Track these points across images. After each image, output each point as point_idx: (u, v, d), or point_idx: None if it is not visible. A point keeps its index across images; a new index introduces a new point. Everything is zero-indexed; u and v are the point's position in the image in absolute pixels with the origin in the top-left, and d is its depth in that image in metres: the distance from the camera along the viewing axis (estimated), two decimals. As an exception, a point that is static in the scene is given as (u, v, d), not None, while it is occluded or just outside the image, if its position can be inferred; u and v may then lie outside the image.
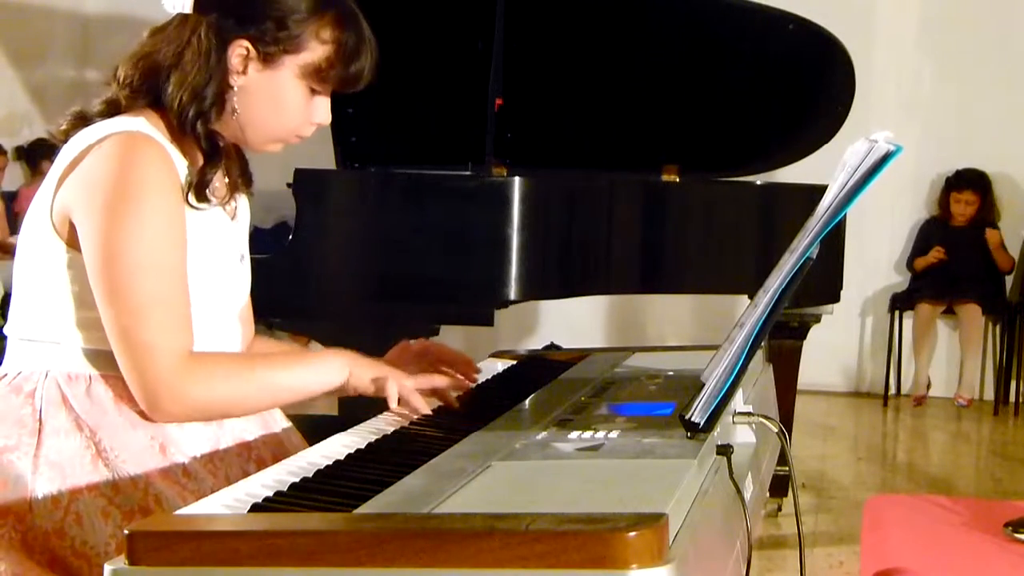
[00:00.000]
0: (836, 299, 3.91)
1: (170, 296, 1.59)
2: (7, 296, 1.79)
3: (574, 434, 1.47)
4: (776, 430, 1.63)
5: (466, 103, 3.73)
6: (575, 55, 4.00)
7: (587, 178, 3.61)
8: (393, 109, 3.95)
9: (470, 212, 3.12)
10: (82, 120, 1.68)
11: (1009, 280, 6.58)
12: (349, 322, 3.11)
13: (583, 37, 3.98)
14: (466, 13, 3.74)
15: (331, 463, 1.44)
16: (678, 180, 3.92)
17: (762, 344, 1.52)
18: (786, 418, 3.54)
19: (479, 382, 2.00)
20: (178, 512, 1.27)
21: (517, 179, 3.12)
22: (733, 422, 1.60)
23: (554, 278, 3.30)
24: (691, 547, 1.08)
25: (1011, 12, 6.51)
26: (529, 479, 1.31)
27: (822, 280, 3.78)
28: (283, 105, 1.69)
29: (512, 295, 3.09)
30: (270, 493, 1.29)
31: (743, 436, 1.62)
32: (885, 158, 1.46)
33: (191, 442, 1.66)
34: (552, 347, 2.40)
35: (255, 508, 1.24)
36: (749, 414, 1.62)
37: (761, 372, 2.01)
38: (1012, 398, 6.44)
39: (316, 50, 1.67)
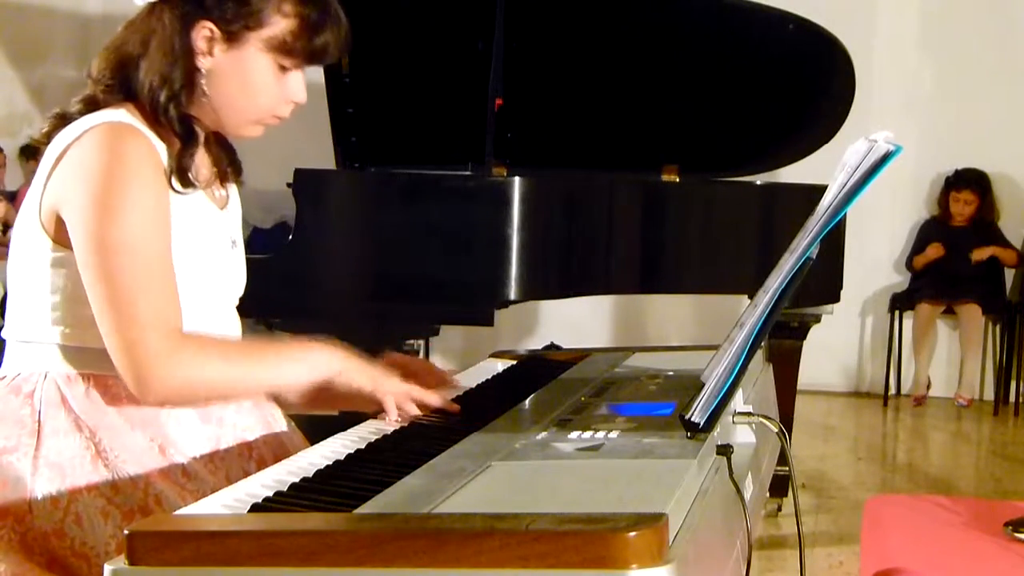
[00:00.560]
0: (836, 299, 3.91)
1: (159, 276, 1.59)
2: (5, 296, 1.79)
3: (574, 434, 1.47)
4: (776, 430, 1.63)
5: (466, 103, 3.73)
6: (575, 55, 4.00)
7: (587, 178, 3.61)
8: (393, 109, 3.96)
9: (470, 212, 3.12)
10: (62, 120, 1.68)
11: (1009, 280, 6.58)
12: (349, 322, 3.11)
13: (583, 37, 3.98)
14: (466, 13, 3.74)
15: (331, 463, 1.44)
16: (678, 180, 3.92)
17: (762, 344, 1.52)
18: (786, 418, 3.54)
19: (479, 382, 2.01)
20: (178, 512, 1.27)
21: (517, 179, 3.12)
22: (733, 422, 1.60)
23: (554, 278, 3.30)
24: (691, 547, 1.08)
25: (1011, 12, 6.51)
26: (529, 479, 1.31)
27: (822, 280, 3.78)
28: (253, 83, 1.69)
29: (512, 295, 3.09)
30: (270, 493, 1.29)
31: (743, 436, 1.62)
32: (885, 158, 1.46)
33: (191, 442, 1.66)
34: (552, 347, 2.40)
35: (255, 508, 1.24)
36: (749, 414, 1.62)
37: (761, 372, 2.01)
38: (1012, 398, 6.44)
39: (279, 24, 1.67)
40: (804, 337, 4.02)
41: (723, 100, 4.09)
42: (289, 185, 3.13)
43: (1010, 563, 2.06)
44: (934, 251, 6.49)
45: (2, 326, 1.73)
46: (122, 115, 1.64)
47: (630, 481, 1.26)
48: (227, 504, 1.27)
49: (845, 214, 1.51)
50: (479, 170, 3.56)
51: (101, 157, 1.59)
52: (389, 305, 3.12)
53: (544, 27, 3.90)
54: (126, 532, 1.08)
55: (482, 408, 1.72)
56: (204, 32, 1.66)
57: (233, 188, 1.85)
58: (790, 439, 3.07)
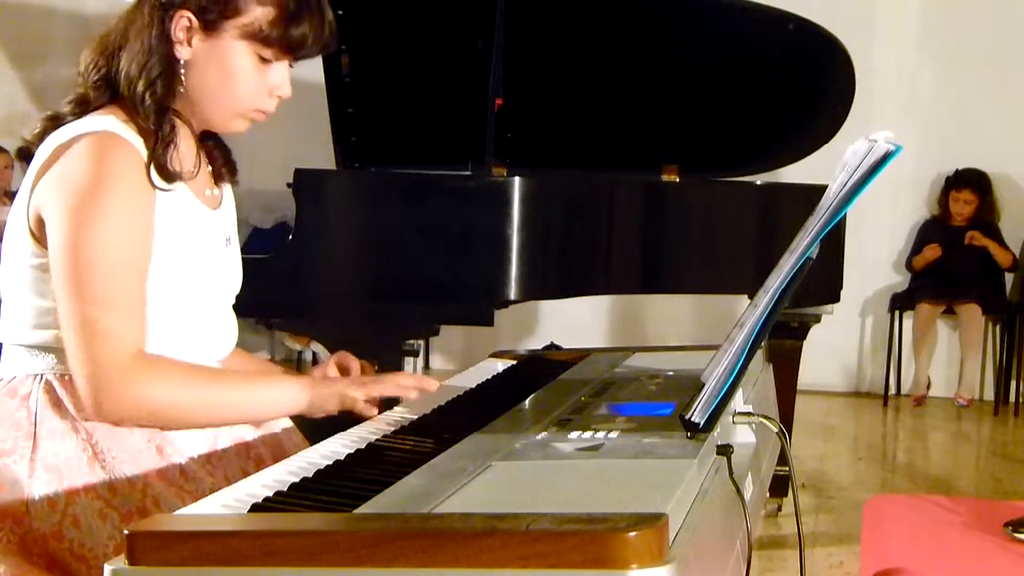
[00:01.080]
0: (836, 299, 3.91)
1: (128, 292, 1.58)
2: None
3: (574, 434, 1.47)
4: (776, 430, 1.63)
5: (466, 103, 3.73)
6: (575, 55, 4.00)
7: (587, 178, 3.61)
8: (393, 109, 3.95)
9: (470, 212, 3.12)
10: (53, 121, 1.69)
11: (1009, 280, 6.58)
12: (349, 322, 3.11)
13: (583, 37, 3.98)
14: (466, 13, 3.73)
15: (331, 463, 1.44)
16: (678, 180, 3.92)
17: (762, 344, 1.52)
18: (786, 418, 3.54)
19: (479, 382, 2.00)
20: (178, 512, 1.27)
21: (517, 179, 3.12)
22: (733, 422, 1.60)
23: (554, 278, 3.30)
24: (691, 547, 1.08)
25: (1011, 12, 6.51)
26: (529, 479, 1.31)
27: (822, 280, 3.78)
28: (232, 73, 1.68)
29: (512, 295, 3.09)
30: (270, 493, 1.29)
31: (743, 436, 1.62)
32: (885, 158, 1.46)
33: (188, 443, 1.66)
34: (552, 347, 2.39)
35: (255, 508, 1.24)
36: (749, 414, 1.62)
37: (761, 372, 2.01)
38: (1012, 398, 6.44)
39: (255, 11, 1.67)
40: (804, 337, 4.02)
41: (723, 100, 4.09)
42: (289, 185, 3.13)
43: (1010, 563, 2.05)
44: (931, 252, 6.49)
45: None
46: (109, 122, 1.64)
47: (630, 481, 1.26)
48: (227, 504, 1.26)
49: (845, 214, 1.51)
50: (479, 170, 3.56)
51: (85, 168, 1.59)
52: (389, 305, 3.11)
53: (544, 27, 3.90)
54: (126, 532, 1.07)
55: (482, 408, 1.72)
56: (183, 22, 1.66)
57: (227, 188, 1.84)
58: (790, 439, 3.07)
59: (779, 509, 3.94)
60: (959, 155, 6.52)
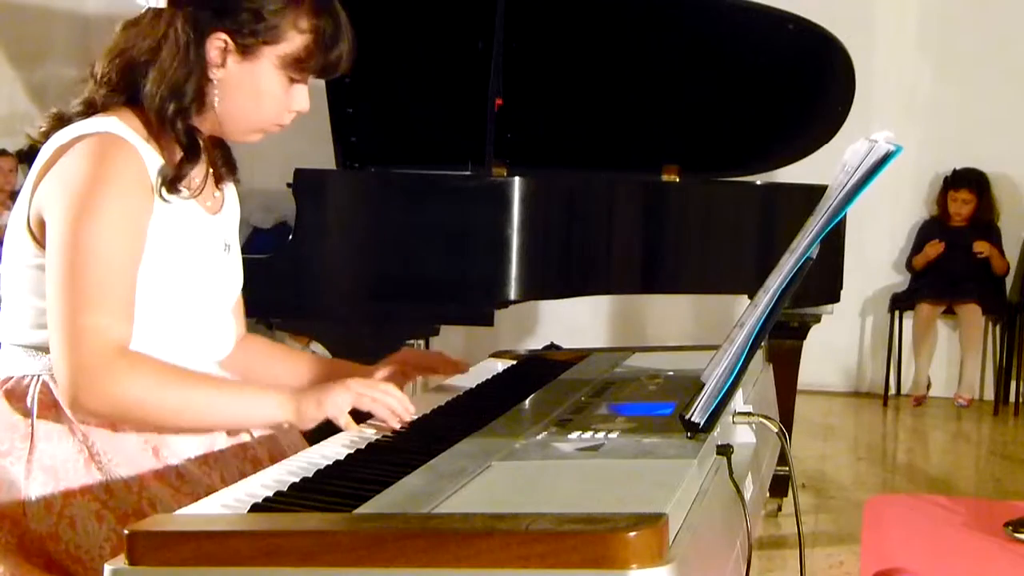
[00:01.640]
0: (836, 299, 3.91)
1: (115, 290, 1.57)
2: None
3: (574, 434, 1.47)
4: (776, 430, 1.63)
5: (466, 103, 3.73)
6: (575, 55, 4.00)
7: (587, 178, 3.61)
8: (393, 109, 3.95)
9: (470, 212, 3.12)
10: (60, 121, 1.68)
11: (1009, 280, 6.58)
12: (349, 322, 3.11)
13: (583, 37, 3.98)
14: (466, 13, 3.73)
15: (331, 463, 1.44)
16: (678, 180, 3.92)
17: (762, 344, 1.52)
18: (786, 418, 3.54)
19: (479, 382, 2.00)
20: (178, 512, 1.27)
21: (517, 179, 3.12)
22: (733, 422, 1.60)
23: (554, 278, 3.30)
24: (691, 547, 1.08)
25: (1011, 12, 6.51)
26: (529, 479, 1.31)
27: (822, 280, 3.78)
28: (262, 96, 1.68)
29: (512, 295, 3.09)
30: (270, 493, 1.29)
31: (743, 436, 1.62)
32: (885, 158, 1.46)
33: (185, 444, 1.65)
34: (552, 347, 2.40)
35: (255, 508, 1.24)
36: (749, 414, 1.62)
37: (761, 372, 2.01)
38: (1012, 398, 6.43)
39: (295, 40, 1.66)
40: (804, 337, 4.02)
41: (723, 100, 4.09)
42: (289, 185, 3.13)
43: (1010, 563, 2.06)
44: (933, 249, 6.47)
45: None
46: (113, 124, 1.63)
47: (630, 481, 1.26)
48: (227, 504, 1.26)
49: (845, 214, 1.51)
50: (479, 170, 3.56)
51: (84, 169, 1.58)
52: (389, 305, 3.11)
53: (544, 27, 3.90)
54: (126, 532, 1.07)
55: (482, 408, 1.71)
56: (218, 43, 1.64)
57: (230, 190, 1.83)
58: (790, 439, 3.07)
59: (779, 509, 3.94)
60: (959, 155, 6.52)
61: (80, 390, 1.54)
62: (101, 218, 1.56)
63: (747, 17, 4.04)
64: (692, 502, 1.21)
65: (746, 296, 3.51)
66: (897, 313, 6.67)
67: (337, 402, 1.65)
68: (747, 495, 1.42)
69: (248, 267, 1.86)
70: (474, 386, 1.98)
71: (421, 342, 4.64)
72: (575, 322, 6.43)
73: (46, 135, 1.67)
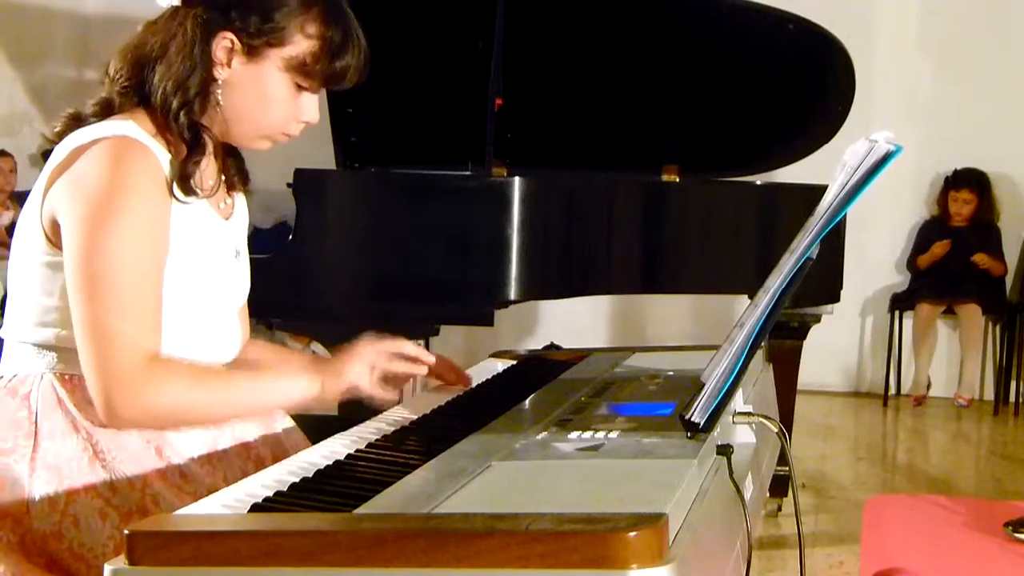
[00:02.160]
0: (836, 299, 3.91)
1: (144, 296, 1.58)
2: (5, 296, 1.78)
3: (574, 434, 1.47)
4: (776, 430, 1.63)
5: (466, 103, 3.73)
6: (575, 55, 4.00)
7: (587, 178, 3.61)
8: (393, 109, 3.95)
9: (470, 212, 3.12)
10: (76, 121, 1.68)
11: (1009, 280, 6.58)
12: (349, 322, 3.11)
13: (583, 37, 3.98)
14: (466, 13, 3.73)
15: (331, 463, 1.44)
16: (678, 180, 3.92)
17: (762, 344, 1.52)
18: (786, 418, 3.54)
19: (479, 382, 2.00)
20: (178, 512, 1.27)
21: (517, 179, 3.12)
22: (733, 422, 1.60)
23: (554, 278, 3.30)
24: (691, 547, 1.08)
25: (1011, 12, 6.51)
26: (529, 479, 1.31)
27: (822, 280, 3.78)
28: (267, 99, 1.68)
29: (512, 295, 3.09)
30: (270, 493, 1.29)
31: (743, 436, 1.62)
32: (885, 158, 1.46)
33: (188, 443, 1.66)
34: (552, 347, 2.40)
35: (255, 508, 1.24)
36: (749, 414, 1.62)
37: (761, 372, 2.01)
38: (1012, 398, 6.43)
39: (300, 44, 1.67)
40: (804, 337, 4.02)
41: (723, 100, 4.09)
42: (289, 185, 3.13)
43: (1010, 563, 2.06)
44: (941, 248, 6.46)
45: (1, 325, 1.73)
46: (130, 127, 1.63)
47: (630, 481, 1.26)
48: (227, 504, 1.27)
49: (845, 214, 1.51)
50: (479, 170, 3.56)
51: (102, 173, 1.58)
52: (389, 305, 3.11)
53: (544, 27, 3.90)
54: (126, 532, 1.08)
55: (482, 408, 1.72)
56: (225, 43, 1.65)
57: (240, 197, 1.84)
58: (790, 439, 3.06)
59: (779, 509, 3.94)
60: (959, 155, 6.52)
61: (117, 403, 1.56)
62: (123, 224, 1.56)
63: (747, 17, 4.04)
64: (692, 502, 1.21)
65: (746, 296, 3.51)
66: (897, 313, 6.67)
67: (355, 370, 1.71)
68: (747, 495, 1.42)
69: (248, 267, 1.86)
70: (474, 386, 1.98)
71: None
72: (575, 322, 6.43)
73: (61, 135, 1.67)
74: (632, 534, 0.98)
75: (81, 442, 1.60)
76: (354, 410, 1.85)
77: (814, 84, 4.14)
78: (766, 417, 1.63)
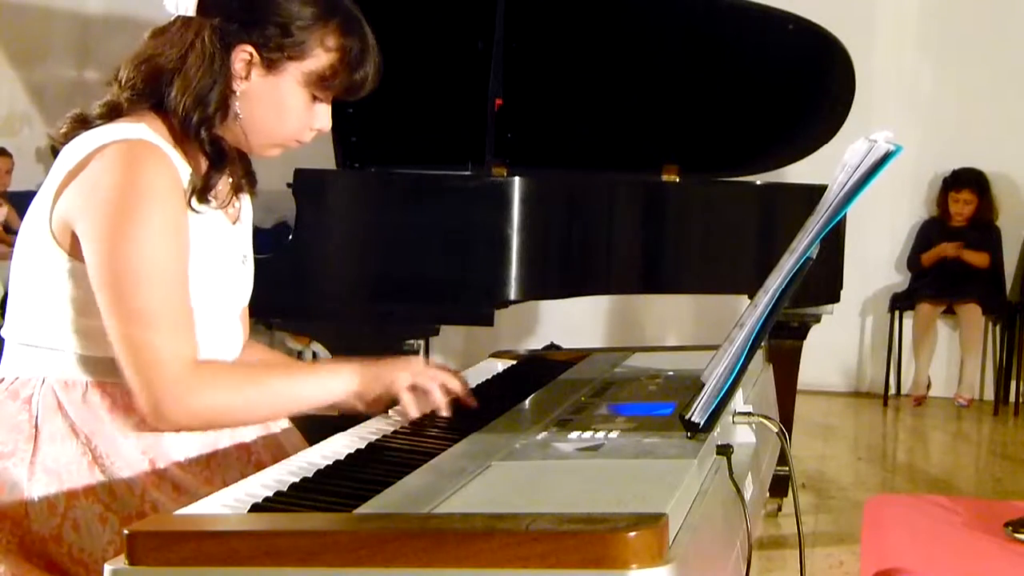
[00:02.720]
0: (836, 299, 3.91)
1: (174, 305, 1.58)
2: (6, 297, 1.78)
3: (574, 434, 1.47)
4: (776, 430, 1.63)
5: (466, 103, 3.73)
6: (575, 55, 4.00)
7: (587, 178, 3.61)
8: (393, 109, 3.95)
9: (470, 212, 3.12)
10: (82, 123, 1.66)
11: (1009, 280, 6.58)
12: (349, 322, 3.11)
13: (583, 37, 3.98)
14: (466, 13, 3.73)
15: (331, 463, 1.44)
16: (678, 180, 3.92)
17: (762, 344, 1.52)
18: (786, 418, 3.54)
19: (479, 382, 2.00)
20: (178, 512, 1.27)
21: (517, 179, 3.12)
22: (733, 422, 1.60)
23: (554, 278, 3.30)
24: (691, 547, 1.08)
25: (1011, 12, 6.51)
26: (529, 479, 1.31)
27: (822, 280, 3.78)
28: (284, 110, 1.68)
29: (512, 295, 3.09)
30: (270, 493, 1.29)
31: (743, 436, 1.62)
32: (885, 158, 1.46)
33: (187, 447, 1.65)
34: (552, 347, 2.40)
35: (255, 508, 1.24)
36: (749, 414, 1.62)
37: (761, 372, 2.01)
38: (1012, 398, 6.43)
39: (320, 57, 1.66)
40: (804, 337, 4.02)
41: (723, 100, 4.09)
42: (289, 185, 3.13)
43: (1010, 563, 2.05)
44: (953, 249, 6.44)
45: (0, 325, 1.73)
46: (143, 130, 1.61)
47: (630, 481, 1.26)
48: (227, 504, 1.26)
49: (845, 214, 1.51)
50: (479, 170, 3.56)
51: (118, 177, 1.56)
52: (389, 305, 3.11)
53: (544, 27, 3.90)
54: (126, 532, 1.07)
55: (482, 408, 1.72)
56: (244, 56, 1.64)
57: (246, 200, 1.83)
58: (790, 439, 3.07)
59: (779, 509, 3.94)
60: (959, 155, 6.52)
61: (164, 412, 1.57)
62: (145, 234, 1.55)
63: (747, 17, 4.05)
64: (692, 502, 1.21)
65: (746, 296, 3.51)
66: (897, 313, 6.67)
67: (400, 379, 1.71)
68: (747, 495, 1.42)
69: (248, 267, 1.86)
70: (474, 386, 1.98)
71: (421, 342, 4.65)
72: (575, 322, 6.43)
73: (66, 137, 1.66)
74: (632, 534, 0.98)
75: (80, 447, 1.59)
76: (354, 410, 1.85)
77: (814, 84, 4.14)
78: (766, 417, 1.63)
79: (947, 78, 6.58)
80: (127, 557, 1.06)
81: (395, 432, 1.64)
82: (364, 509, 1.20)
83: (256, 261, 1.85)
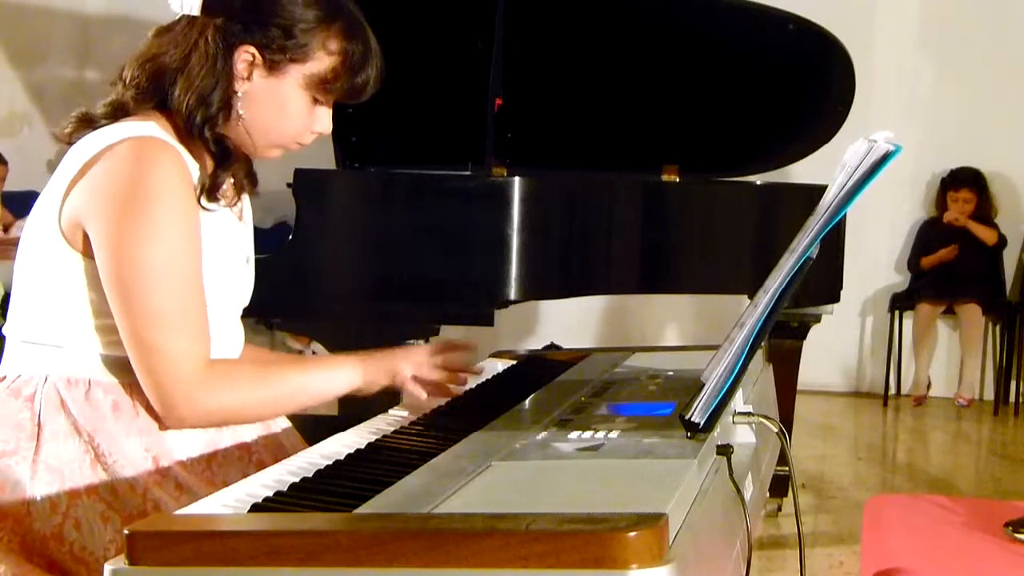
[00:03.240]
0: (836, 299, 3.91)
1: (187, 304, 1.58)
2: (7, 295, 1.79)
3: (574, 434, 1.47)
4: (776, 430, 1.63)
5: (466, 103, 3.73)
6: (575, 55, 4.00)
7: (587, 178, 3.61)
8: (393, 109, 3.94)
9: (470, 212, 3.12)
10: (87, 122, 1.66)
11: (1009, 280, 6.58)
12: (349, 322, 3.11)
13: (583, 37, 3.98)
14: (466, 13, 3.73)
15: (331, 463, 1.44)
16: (678, 180, 3.92)
17: (762, 344, 1.52)
18: (786, 418, 3.54)
19: (479, 382, 2.00)
20: (178, 512, 1.27)
21: (517, 179, 3.12)
22: (733, 422, 1.60)
23: (554, 278, 3.30)
24: (691, 547, 1.08)
25: (1011, 12, 6.51)
26: (529, 479, 1.31)
27: (822, 280, 3.78)
28: (285, 113, 1.69)
29: (512, 295, 3.09)
30: (270, 493, 1.29)
31: (743, 436, 1.62)
32: (885, 158, 1.46)
33: (188, 446, 1.65)
34: (552, 347, 2.39)
35: (255, 508, 1.23)
36: (749, 414, 1.62)
37: (761, 372, 2.01)
38: (1012, 398, 6.44)
39: (322, 60, 1.67)
40: (804, 337, 4.02)
41: (723, 100, 4.09)
42: (289, 185, 3.13)
43: (1010, 563, 2.05)
44: (948, 252, 6.45)
45: (2, 323, 1.73)
46: (152, 128, 1.62)
47: (630, 481, 1.26)
48: (227, 504, 1.26)
49: (845, 214, 1.51)
50: (479, 170, 3.56)
51: (130, 174, 1.56)
52: (389, 305, 3.12)
53: (544, 27, 3.90)
54: (126, 532, 1.07)
55: (482, 408, 1.72)
56: (246, 56, 1.64)
57: (246, 201, 1.84)
58: (790, 439, 3.07)
59: (779, 509, 3.94)
60: (959, 155, 6.53)
61: (177, 412, 1.59)
62: (159, 235, 1.56)
63: (747, 17, 4.04)
64: (692, 502, 1.21)
65: (746, 296, 3.51)
66: (897, 313, 6.67)
67: (403, 370, 1.76)
68: (747, 495, 1.42)
69: (248, 267, 1.86)
70: (474, 386, 1.98)
71: (421, 342, 4.65)
72: (575, 322, 6.43)
73: (71, 136, 1.66)
74: (632, 534, 0.98)
75: (83, 445, 1.59)
76: (354, 410, 1.85)
77: (814, 84, 4.14)
78: (766, 417, 1.63)
79: (947, 78, 6.58)
80: (127, 557, 1.06)
81: (395, 432, 1.64)
82: (364, 509, 1.20)
83: (256, 261, 1.86)
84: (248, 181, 1.81)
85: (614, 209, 3.49)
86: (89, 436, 1.60)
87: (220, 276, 1.69)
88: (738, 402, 1.62)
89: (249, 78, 1.65)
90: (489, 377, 2.08)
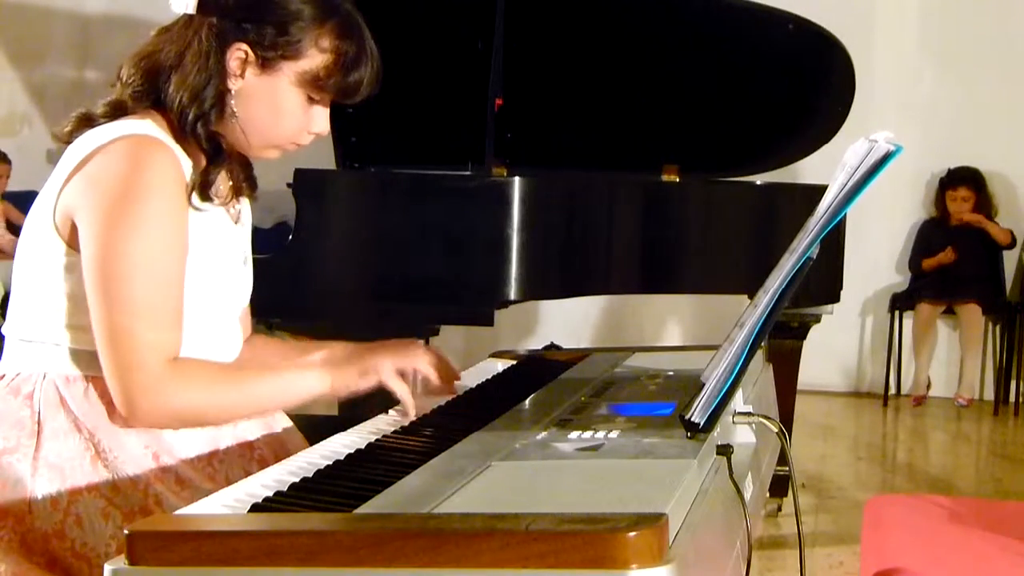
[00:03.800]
0: (836, 299, 3.91)
1: (162, 298, 1.58)
2: (7, 295, 1.79)
3: (574, 434, 1.47)
4: (776, 430, 1.63)
5: (466, 103, 3.73)
6: (575, 55, 4.00)
7: (587, 178, 3.61)
8: (393, 109, 3.94)
9: (470, 212, 3.12)
10: (86, 121, 1.67)
11: (1009, 280, 6.58)
12: (349, 322, 3.11)
13: (583, 37, 3.98)
14: (466, 13, 3.73)
15: (331, 463, 1.44)
16: (678, 180, 3.92)
17: (762, 344, 1.52)
18: (786, 418, 3.54)
19: (479, 382, 2.00)
20: (178, 512, 1.27)
21: (517, 179, 3.12)
22: (733, 422, 1.60)
23: (554, 278, 3.30)
24: (691, 547, 1.08)
25: (1011, 12, 6.51)
26: (529, 479, 1.31)
27: (822, 280, 3.78)
28: (280, 111, 1.69)
29: (512, 295, 3.09)
30: (270, 493, 1.29)
31: (743, 436, 1.62)
32: (885, 158, 1.46)
33: (190, 444, 1.66)
34: (552, 347, 2.40)
35: (255, 508, 1.24)
36: (749, 414, 1.62)
37: (761, 372, 2.01)
38: (1012, 398, 6.43)
39: (315, 58, 1.67)
40: (804, 337, 4.02)
41: (723, 100, 4.09)
42: (289, 185, 3.13)
43: (1010, 563, 2.05)
44: (946, 256, 6.45)
45: (1, 323, 1.73)
46: (148, 127, 1.63)
47: (630, 481, 1.26)
48: (227, 504, 1.27)
49: (845, 214, 1.51)
50: (479, 170, 3.56)
51: (122, 170, 1.57)
52: (389, 305, 3.11)
53: (544, 27, 3.90)
54: (126, 532, 1.07)
55: (482, 408, 1.72)
56: (239, 54, 1.64)
57: (245, 204, 1.84)
58: (790, 439, 3.07)
59: (779, 509, 3.94)
60: (959, 155, 6.52)
61: (138, 405, 1.57)
62: (143, 228, 1.56)
63: (747, 17, 4.05)
64: (692, 502, 1.21)
65: (746, 296, 3.51)
66: (897, 313, 6.67)
67: (382, 367, 1.71)
68: (747, 495, 1.42)
69: (248, 267, 1.86)
70: (474, 386, 1.98)
71: (421, 342, 4.65)
72: (575, 322, 6.43)
73: (70, 135, 1.66)
74: (632, 534, 0.98)
75: (83, 442, 1.60)
76: (354, 410, 1.85)
77: (814, 84, 4.14)
78: (766, 417, 1.63)
79: (947, 78, 6.58)
80: (127, 557, 1.06)
81: (395, 432, 1.64)
82: (364, 509, 1.20)
83: (256, 261, 1.86)
84: (248, 185, 1.81)
85: (614, 209, 3.49)
86: (89, 433, 1.60)
87: (215, 277, 1.69)
88: (738, 402, 1.62)
89: (242, 75, 1.66)
90: (489, 377, 2.08)
